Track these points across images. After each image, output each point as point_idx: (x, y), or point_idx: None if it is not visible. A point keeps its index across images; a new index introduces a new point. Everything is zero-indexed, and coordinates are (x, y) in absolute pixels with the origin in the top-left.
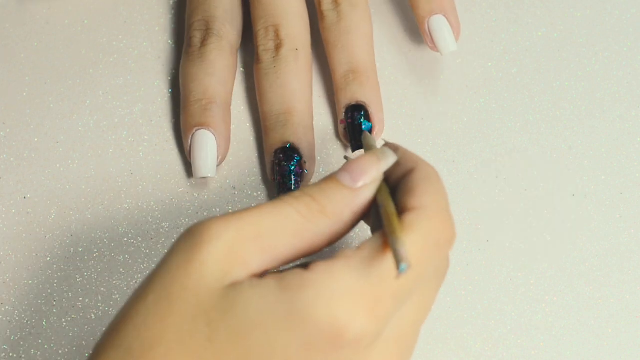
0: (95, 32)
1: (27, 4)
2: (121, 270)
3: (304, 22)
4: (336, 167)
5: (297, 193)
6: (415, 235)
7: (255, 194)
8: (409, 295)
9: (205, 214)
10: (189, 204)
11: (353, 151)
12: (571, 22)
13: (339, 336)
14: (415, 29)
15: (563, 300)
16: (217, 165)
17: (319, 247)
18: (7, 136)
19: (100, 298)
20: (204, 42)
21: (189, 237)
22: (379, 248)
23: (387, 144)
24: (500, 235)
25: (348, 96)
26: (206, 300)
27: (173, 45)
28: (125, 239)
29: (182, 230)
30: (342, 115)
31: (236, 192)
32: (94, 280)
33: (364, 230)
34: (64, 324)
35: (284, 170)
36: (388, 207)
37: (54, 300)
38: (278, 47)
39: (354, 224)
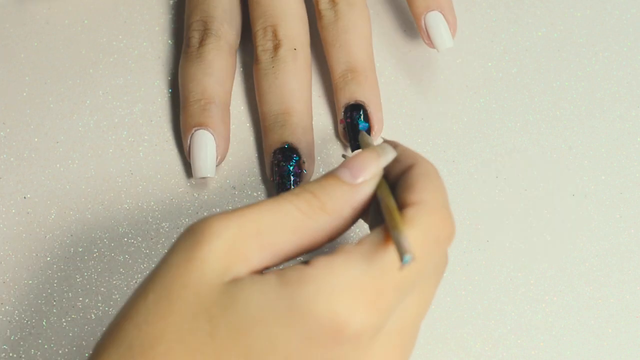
0: (95, 32)
1: (27, 4)
2: (121, 270)
3: (302, 22)
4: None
5: (297, 190)
6: (415, 231)
7: (255, 194)
8: (410, 289)
9: (205, 214)
10: (189, 204)
11: (352, 151)
12: (571, 22)
13: (339, 331)
14: (415, 28)
15: (563, 300)
16: (217, 166)
17: (320, 244)
18: (7, 136)
19: (100, 298)
20: (202, 42)
21: (190, 235)
22: (379, 242)
23: (386, 142)
24: (500, 235)
25: (347, 95)
26: (207, 296)
27: (173, 45)
28: (125, 239)
29: (182, 230)
30: (341, 115)
31: (236, 192)
32: (94, 280)
33: (364, 227)
34: (64, 324)
35: (282, 171)
36: (389, 202)
37: (54, 300)
38: (276, 47)
39: (354, 220)
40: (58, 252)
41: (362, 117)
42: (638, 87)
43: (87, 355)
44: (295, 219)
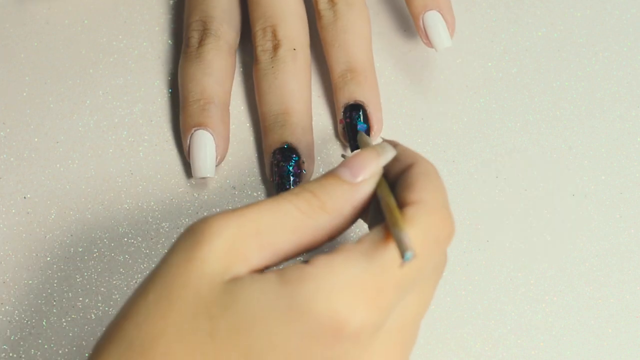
0: (95, 32)
1: (27, 4)
2: (121, 270)
3: (302, 22)
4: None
5: (297, 189)
6: (415, 230)
7: (254, 194)
8: (411, 287)
9: (205, 214)
10: (189, 204)
11: (352, 151)
12: (571, 22)
13: (339, 329)
14: (414, 28)
15: (563, 300)
16: (216, 166)
17: (320, 243)
18: (7, 136)
19: (100, 298)
20: (201, 42)
21: (190, 235)
22: (379, 240)
23: (385, 141)
24: (500, 235)
25: (346, 95)
26: (207, 295)
27: (173, 45)
28: (125, 239)
29: (182, 230)
30: (340, 115)
31: (236, 192)
32: (94, 280)
33: (364, 227)
34: (64, 324)
35: (282, 171)
36: (389, 200)
37: (54, 300)
38: (276, 47)
39: (354, 219)
40: (58, 252)
41: (361, 117)
42: (638, 87)
43: (87, 355)
44: (295, 218)
